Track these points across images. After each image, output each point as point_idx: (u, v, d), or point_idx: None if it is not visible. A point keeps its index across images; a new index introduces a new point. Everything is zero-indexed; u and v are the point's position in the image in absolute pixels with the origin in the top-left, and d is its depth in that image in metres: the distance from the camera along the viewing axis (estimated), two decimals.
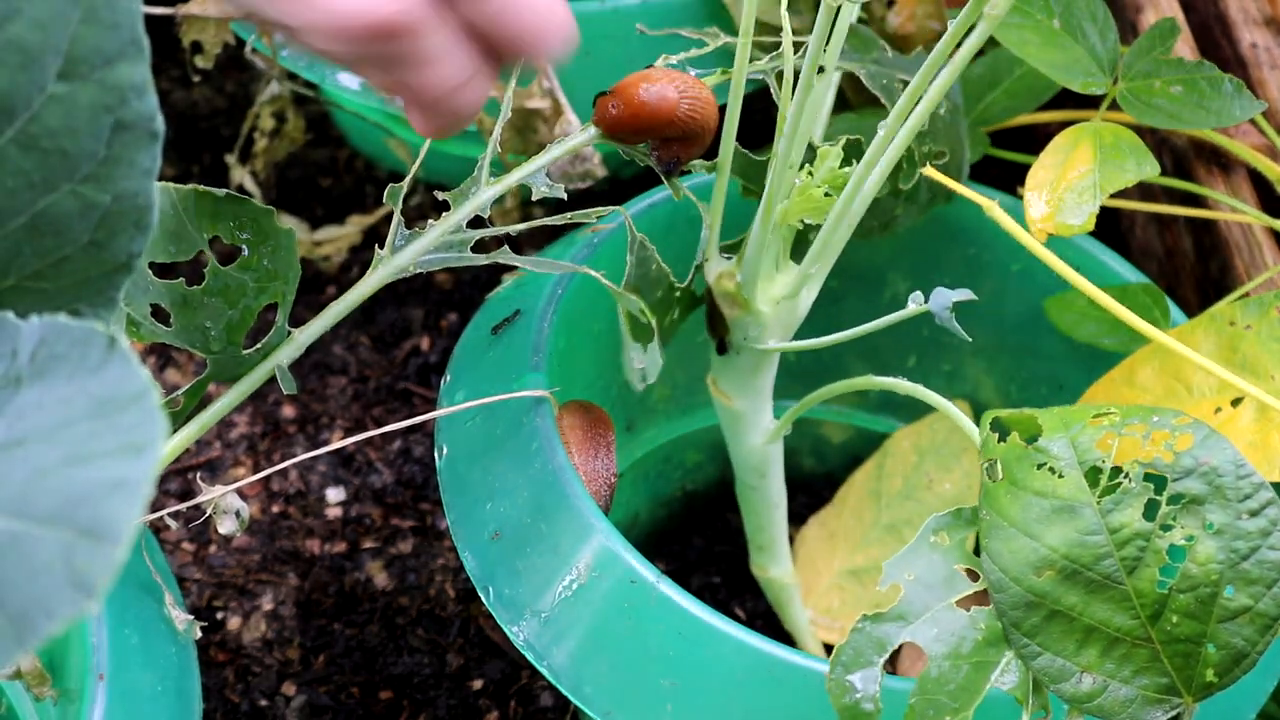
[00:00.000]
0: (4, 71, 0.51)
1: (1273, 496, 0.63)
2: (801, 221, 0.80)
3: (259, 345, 0.76)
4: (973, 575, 0.67)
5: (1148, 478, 0.63)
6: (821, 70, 0.78)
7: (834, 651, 0.65)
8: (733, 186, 0.83)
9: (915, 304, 0.75)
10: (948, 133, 0.91)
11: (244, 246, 0.74)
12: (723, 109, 0.78)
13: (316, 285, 1.29)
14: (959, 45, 0.71)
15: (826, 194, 0.79)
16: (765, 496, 0.91)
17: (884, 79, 0.87)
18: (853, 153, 0.80)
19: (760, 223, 0.79)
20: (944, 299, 0.74)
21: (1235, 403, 0.87)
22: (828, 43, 0.78)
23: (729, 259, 0.84)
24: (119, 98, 0.53)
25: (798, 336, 0.85)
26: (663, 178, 0.78)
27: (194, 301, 0.74)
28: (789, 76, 0.75)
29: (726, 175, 0.81)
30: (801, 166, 0.79)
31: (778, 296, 0.83)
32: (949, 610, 0.66)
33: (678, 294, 0.85)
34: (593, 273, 0.81)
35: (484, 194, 0.76)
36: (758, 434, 0.88)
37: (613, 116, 0.76)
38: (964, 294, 0.74)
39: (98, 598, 0.41)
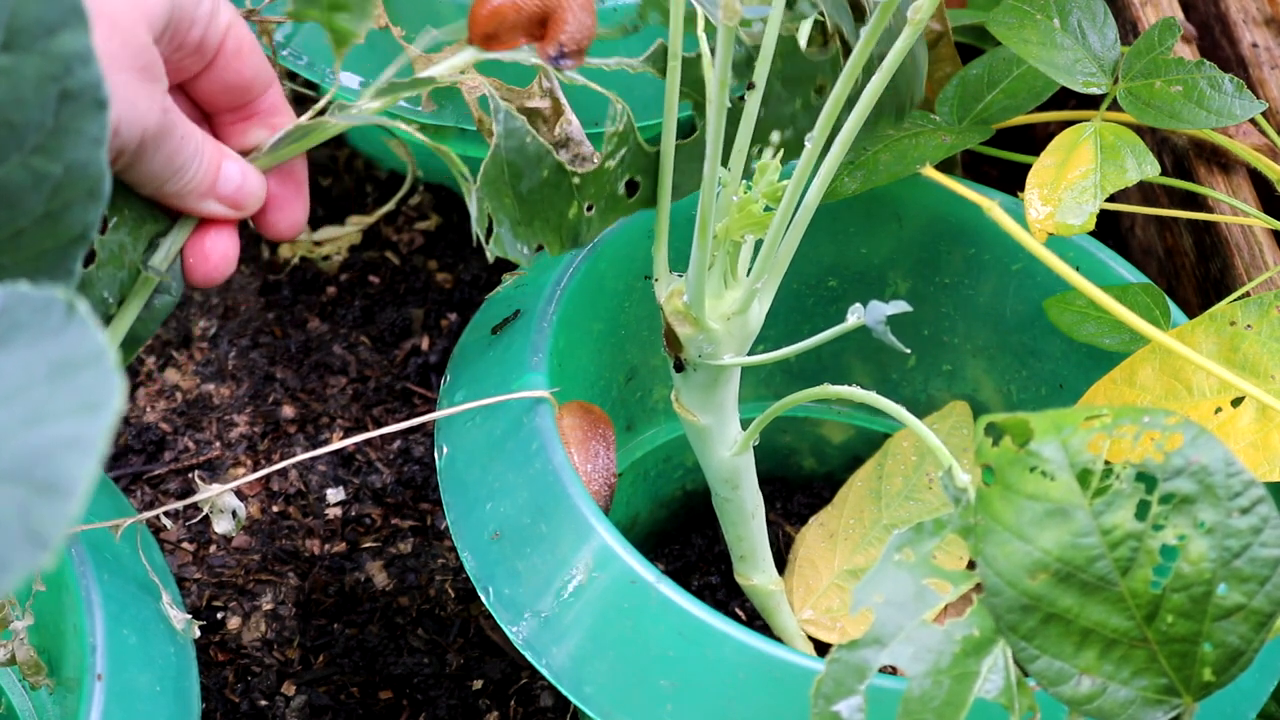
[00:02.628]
0: None
1: (1263, 494, 0.63)
2: (743, 236, 0.80)
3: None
4: (943, 587, 0.67)
5: (1139, 478, 0.63)
6: (752, 87, 0.77)
7: (815, 684, 0.65)
8: (687, 204, 0.83)
9: (854, 316, 0.75)
10: (907, 65, 0.90)
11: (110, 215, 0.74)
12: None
13: (316, 285, 1.29)
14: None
15: (766, 208, 0.78)
16: (740, 507, 0.91)
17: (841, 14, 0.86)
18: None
19: (698, 242, 0.78)
20: (878, 312, 0.73)
21: (1236, 403, 0.87)
22: (744, 64, 0.78)
23: (680, 276, 0.83)
24: (64, 67, 0.54)
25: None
26: (555, 72, 0.77)
27: (91, 280, 0.74)
28: (712, 96, 0.74)
29: (668, 194, 0.80)
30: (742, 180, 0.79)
31: (728, 313, 0.82)
32: (923, 627, 0.65)
33: (577, 182, 0.80)
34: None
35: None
36: (725, 447, 0.88)
37: (472, 24, 0.77)
38: (899, 306, 0.73)
39: (52, 551, 0.42)
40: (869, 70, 0.73)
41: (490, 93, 0.77)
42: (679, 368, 0.85)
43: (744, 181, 0.79)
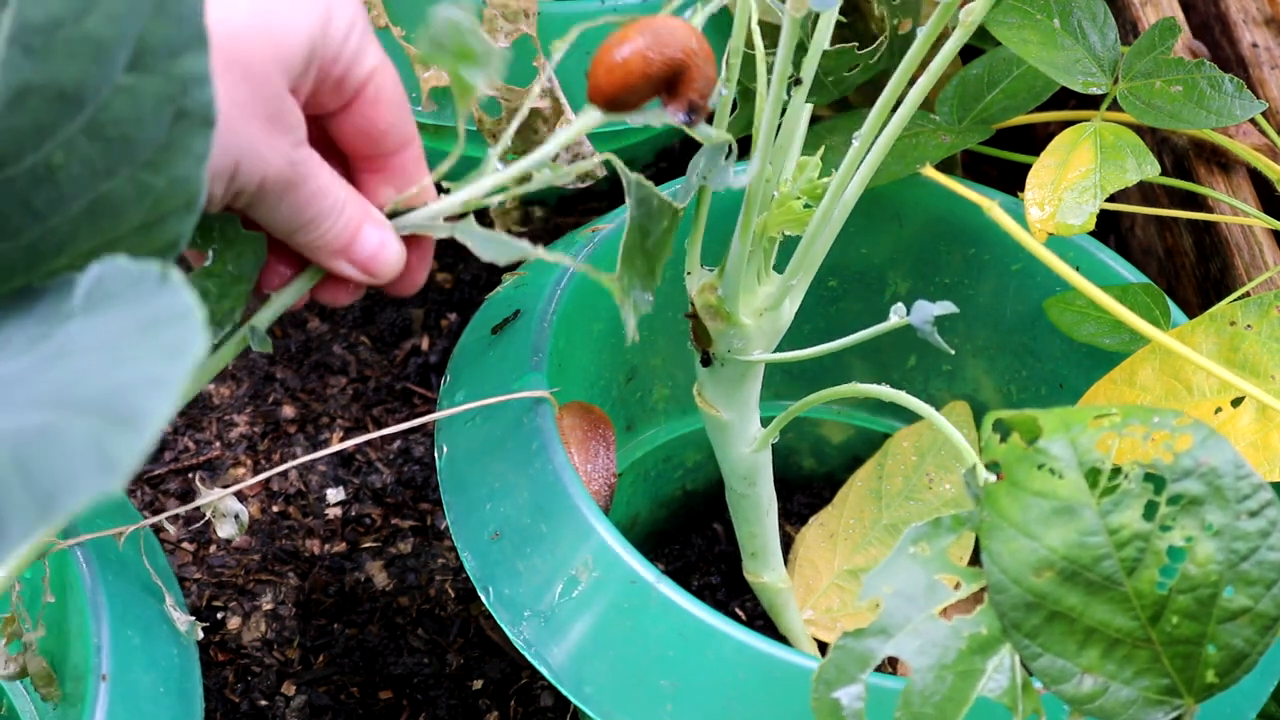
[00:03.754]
0: (77, 64, 0.52)
1: (1272, 497, 0.63)
2: (781, 233, 0.80)
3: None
4: (955, 584, 0.67)
5: (1147, 478, 0.63)
6: (799, 82, 0.77)
7: (817, 670, 0.65)
8: (722, 198, 0.83)
9: (897, 316, 0.75)
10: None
11: (210, 254, 0.74)
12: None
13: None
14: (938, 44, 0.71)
15: (806, 205, 0.78)
16: (755, 504, 0.91)
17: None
18: (831, 162, 0.80)
19: (739, 237, 0.78)
20: (925, 312, 0.74)
21: (1235, 403, 0.87)
22: (801, 53, 0.78)
23: (711, 270, 0.83)
24: (182, 88, 0.55)
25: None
26: (688, 131, 0.76)
27: None
28: (762, 90, 0.74)
29: (709, 190, 0.80)
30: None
31: (760, 308, 0.82)
32: (931, 621, 0.65)
33: (679, 218, 0.81)
34: (592, 272, 0.80)
35: (485, 180, 0.75)
36: (745, 443, 0.88)
37: (597, 89, 0.75)
38: (947, 306, 0.73)
39: (122, 478, 0.43)
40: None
41: (621, 169, 0.76)
42: (706, 362, 0.85)
43: (784, 178, 0.79)
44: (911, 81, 0.72)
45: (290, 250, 0.73)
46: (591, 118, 0.75)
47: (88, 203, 0.55)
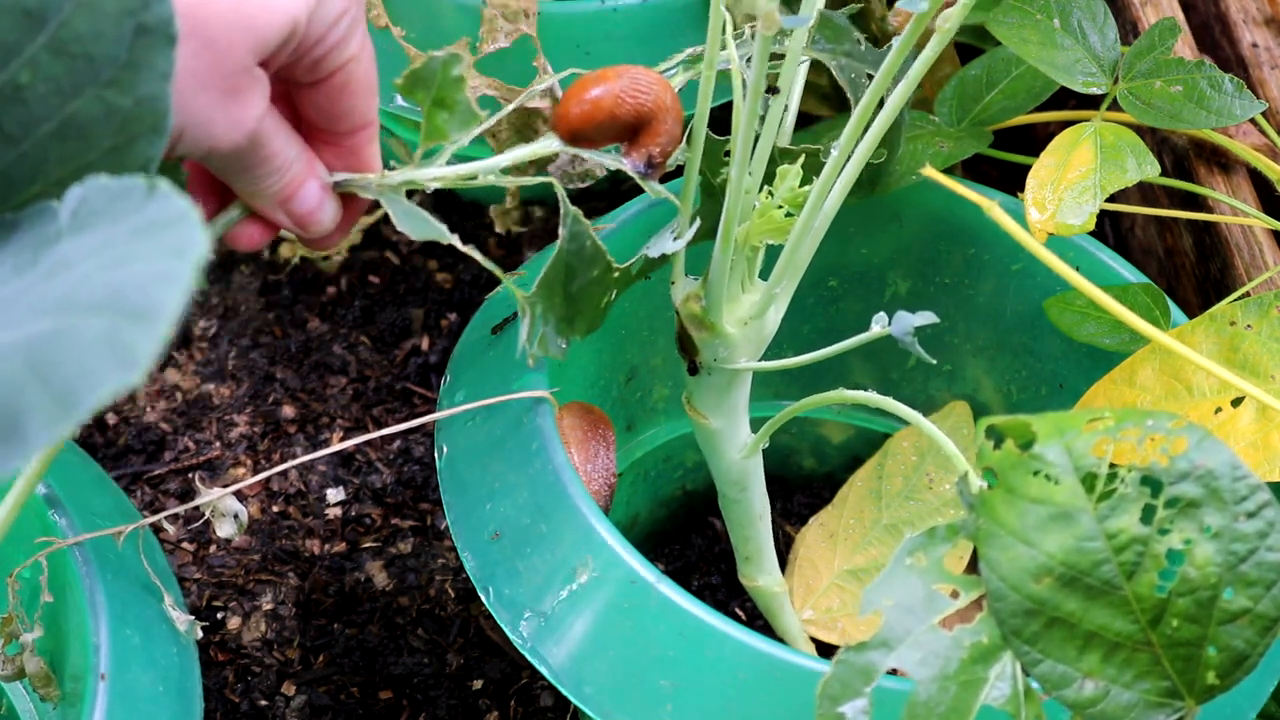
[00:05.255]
0: None
1: (1269, 498, 0.63)
2: (763, 242, 0.80)
3: None
4: (953, 593, 0.66)
5: (1144, 482, 0.63)
6: (775, 91, 0.77)
7: (820, 685, 0.65)
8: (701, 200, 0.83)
9: (879, 325, 0.75)
10: (892, 131, 0.91)
11: None
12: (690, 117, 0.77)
13: (316, 285, 1.29)
14: (919, 48, 0.70)
15: (787, 214, 0.78)
16: (747, 509, 0.91)
17: (853, 72, 0.86)
18: (813, 169, 0.80)
19: (720, 247, 0.78)
20: (905, 323, 0.74)
21: (1236, 403, 0.87)
22: (775, 60, 0.78)
23: (695, 280, 0.83)
24: (142, 2, 0.55)
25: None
26: (639, 181, 0.77)
27: None
28: (739, 102, 0.74)
29: (691, 198, 0.80)
30: (761, 187, 0.79)
31: (744, 317, 0.82)
32: (932, 632, 0.65)
33: (615, 275, 0.82)
34: (509, 282, 0.79)
35: (429, 170, 0.75)
36: (735, 449, 0.88)
37: (563, 118, 0.75)
38: (927, 317, 0.73)
39: (141, 370, 0.43)
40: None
41: (563, 197, 0.76)
42: (693, 371, 0.85)
43: (765, 187, 0.79)
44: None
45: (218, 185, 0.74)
46: (548, 144, 0.75)
47: (57, 124, 0.55)
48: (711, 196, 0.83)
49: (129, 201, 0.50)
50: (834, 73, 0.85)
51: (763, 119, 0.79)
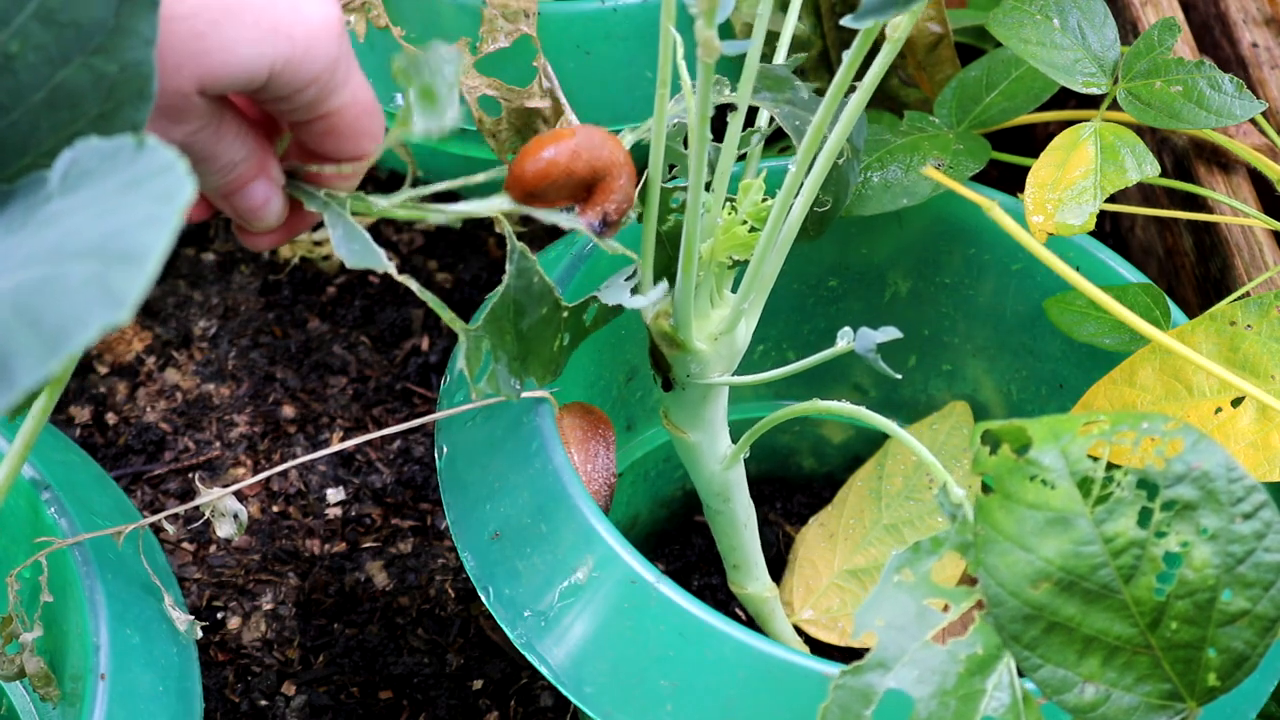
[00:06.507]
0: None
1: (1266, 499, 0.63)
2: (730, 258, 0.80)
3: None
4: (944, 607, 0.66)
5: (1140, 485, 0.63)
6: (733, 108, 0.77)
7: (820, 712, 0.65)
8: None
9: (843, 340, 0.75)
10: (838, 178, 0.90)
11: None
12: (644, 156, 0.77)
13: (316, 285, 1.29)
14: (850, 91, 0.70)
15: (751, 229, 0.78)
16: (731, 519, 0.91)
17: (796, 119, 0.86)
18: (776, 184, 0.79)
19: (683, 267, 0.78)
20: (868, 339, 0.74)
21: (1236, 403, 0.87)
22: (727, 88, 0.78)
23: (666, 296, 0.83)
24: None
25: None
26: (594, 239, 0.76)
27: None
28: (693, 124, 0.74)
29: (654, 218, 0.80)
30: (725, 203, 0.79)
31: (714, 333, 0.82)
32: (926, 648, 0.65)
33: (566, 315, 0.81)
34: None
35: (390, 199, 0.73)
36: (714, 462, 0.88)
37: (518, 179, 0.74)
38: (890, 332, 0.73)
39: (129, 309, 0.44)
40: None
41: (508, 233, 0.75)
42: (667, 387, 0.85)
43: (727, 204, 0.79)
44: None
45: None
46: (500, 204, 0.74)
47: (47, 92, 0.56)
48: (660, 245, 0.83)
49: (119, 159, 0.51)
50: (778, 120, 0.85)
51: (722, 137, 0.79)
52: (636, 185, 0.77)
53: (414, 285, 0.72)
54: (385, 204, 0.72)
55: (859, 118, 0.75)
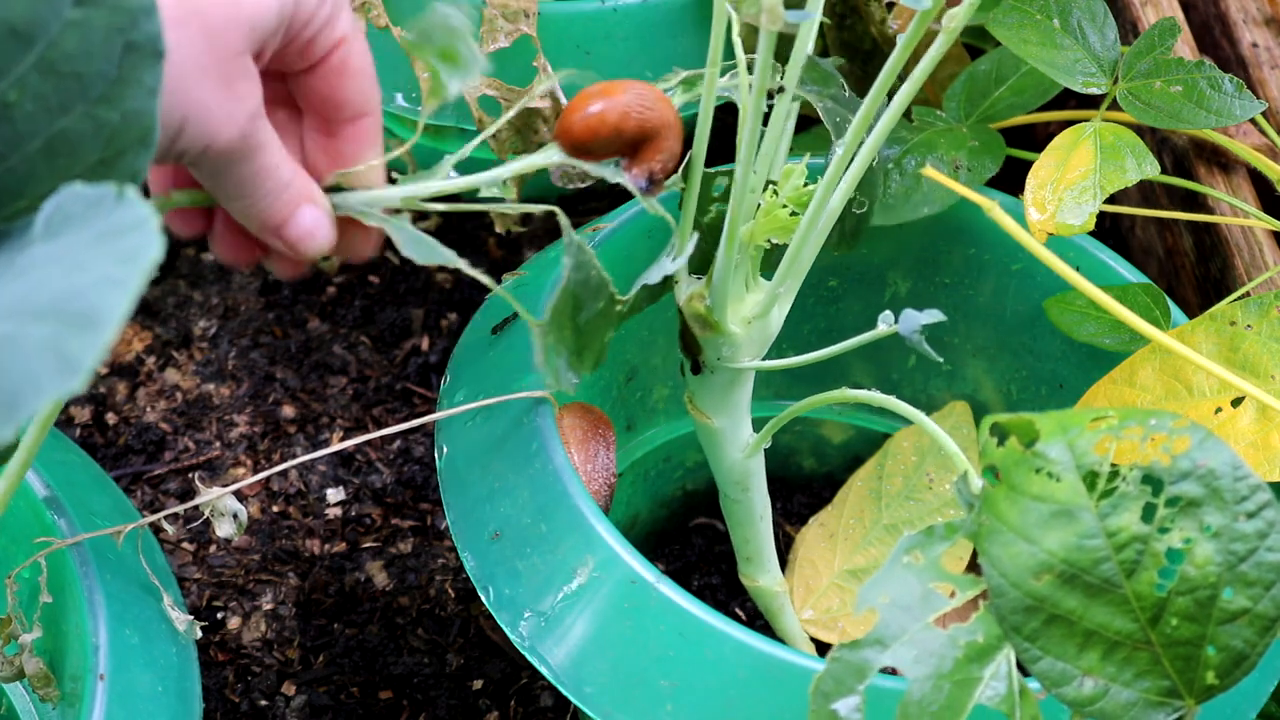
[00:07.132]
0: (25, 1, 0.53)
1: (1270, 499, 0.63)
2: (769, 241, 0.80)
3: None
4: (950, 592, 0.66)
5: (1145, 480, 0.63)
6: (781, 90, 0.77)
7: (814, 682, 0.65)
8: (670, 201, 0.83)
9: (885, 324, 0.75)
10: (870, 180, 0.91)
11: None
12: (691, 124, 0.77)
13: (316, 285, 1.29)
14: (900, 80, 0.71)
15: (792, 213, 0.78)
16: (749, 509, 0.91)
17: (837, 116, 0.86)
18: (817, 170, 0.80)
19: (725, 247, 0.78)
20: (913, 321, 0.74)
21: (1236, 403, 0.87)
22: (783, 64, 0.78)
23: (699, 279, 0.83)
24: (130, 19, 0.56)
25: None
26: (639, 196, 0.76)
27: None
28: (744, 101, 0.74)
29: (695, 196, 0.80)
30: (766, 187, 0.79)
31: (748, 316, 0.82)
32: (927, 630, 0.65)
33: (618, 308, 0.81)
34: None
35: (431, 183, 0.75)
36: (737, 449, 0.88)
37: (566, 131, 0.75)
38: (934, 315, 0.73)
39: (83, 377, 0.44)
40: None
41: (566, 226, 0.75)
42: (696, 370, 0.85)
43: (769, 187, 0.79)
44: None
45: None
46: (550, 157, 0.75)
47: (44, 140, 0.56)
48: (701, 234, 0.83)
49: (100, 208, 0.50)
50: (820, 114, 0.85)
51: (768, 118, 0.79)
52: (683, 150, 0.77)
53: (479, 275, 0.73)
54: (435, 187, 0.73)
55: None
